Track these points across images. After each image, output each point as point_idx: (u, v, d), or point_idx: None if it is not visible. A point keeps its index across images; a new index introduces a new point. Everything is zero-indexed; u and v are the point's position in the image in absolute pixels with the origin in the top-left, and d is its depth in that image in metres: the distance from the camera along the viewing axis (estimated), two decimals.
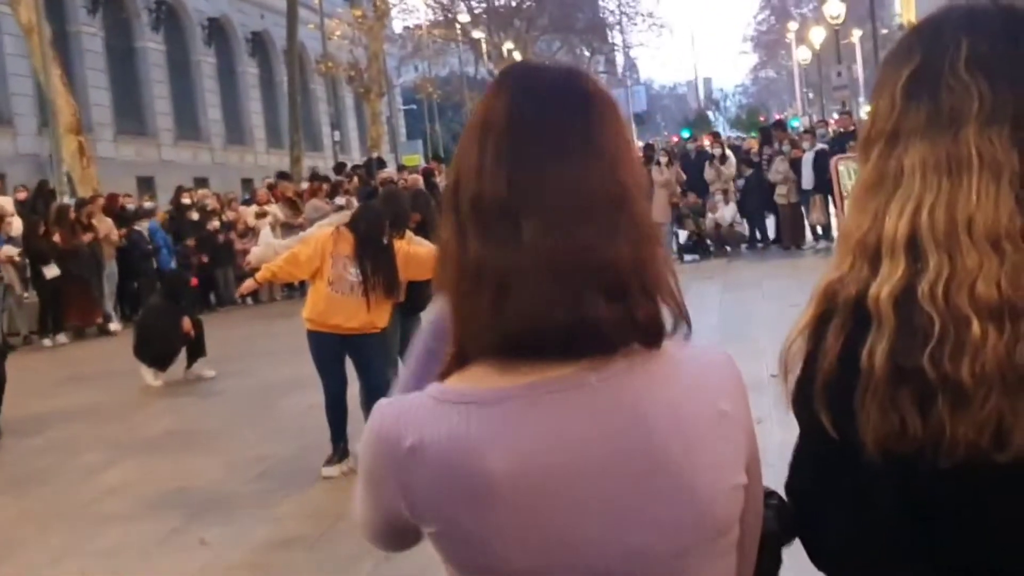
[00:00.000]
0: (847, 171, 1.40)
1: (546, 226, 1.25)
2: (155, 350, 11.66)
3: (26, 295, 16.87)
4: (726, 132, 51.99)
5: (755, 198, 20.13)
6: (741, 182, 20.47)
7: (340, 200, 18.94)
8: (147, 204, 19.60)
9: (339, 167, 25.34)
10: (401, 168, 23.95)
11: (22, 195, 19.32)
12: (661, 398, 1.29)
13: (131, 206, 19.06)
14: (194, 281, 12.65)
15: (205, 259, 18.48)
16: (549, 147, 1.29)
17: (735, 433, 1.34)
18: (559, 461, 1.25)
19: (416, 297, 7.65)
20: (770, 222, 20.60)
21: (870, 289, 1.32)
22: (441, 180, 20.64)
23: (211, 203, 20.47)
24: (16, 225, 17.24)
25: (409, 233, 7.50)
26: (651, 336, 1.29)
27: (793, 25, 65.31)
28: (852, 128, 19.07)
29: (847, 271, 1.36)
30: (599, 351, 1.26)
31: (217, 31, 38.87)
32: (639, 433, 1.27)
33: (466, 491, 1.24)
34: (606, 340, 1.25)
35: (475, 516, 1.25)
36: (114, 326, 16.96)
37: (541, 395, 1.25)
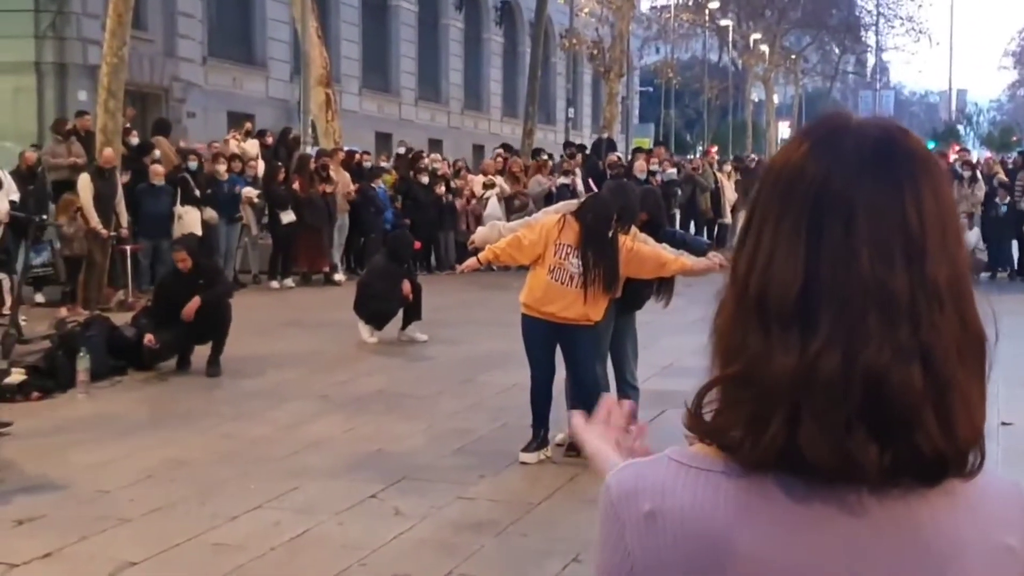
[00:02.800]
0: None
1: (836, 338, 1.10)
2: (374, 308, 11.94)
3: (261, 237, 17.61)
4: (976, 149, 49.59)
5: (1002, 224, 19.08)
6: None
7: (564, 179, 18.97)
8: (383, 163, 20.06)
9: (567, 146, 25.39)
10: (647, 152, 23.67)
11: (269, 140, 20.14)
12: (944, 528, 1.13)
13: (368, 164, 19.56)
14: (417, 244, 12.86)
15: (408, 221, 18.58)
16: (860, 234, 1.12)
17: (1018, 570, 1.16)
18: (811, 562, 1.12)
19: (633, 295, 7.53)
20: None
21: None
22: (666, 167, 20.42)
23: (441, 167, 20.83)
24: (259, 169, 18.01)
25: (635, 230, 7.36)
26: (931, 477, 1.12)
27: None
28: None
29: None
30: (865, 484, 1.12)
31: None
32: (915, 562, 1.12)
33: (702, 565, 1.14)
34: (868, 479, 1.10)
35: None
36: (339, 276, 17.51)
37: (795, 486, 1.12)
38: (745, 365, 1.13)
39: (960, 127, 73.70)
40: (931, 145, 47.52)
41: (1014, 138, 56.63)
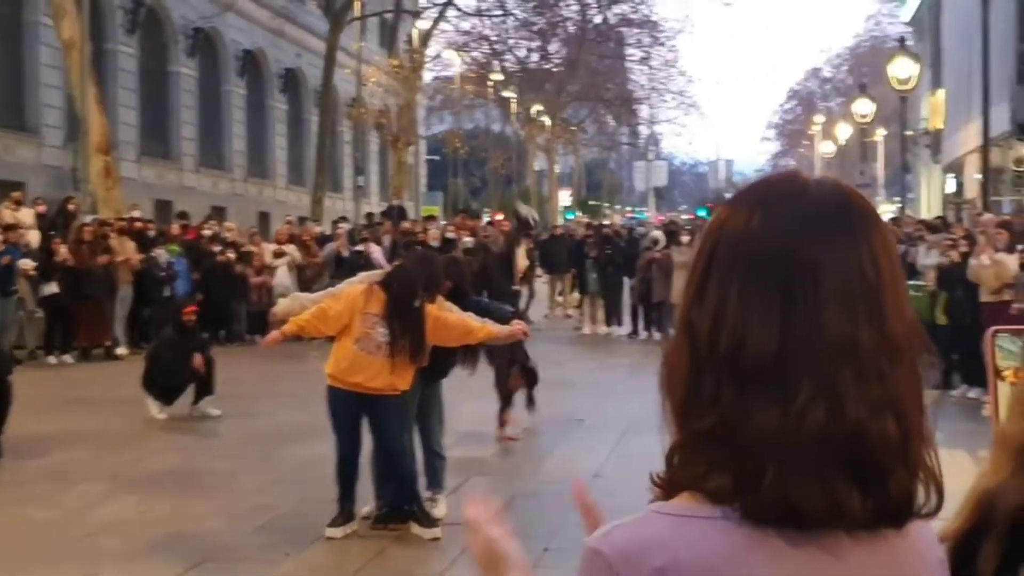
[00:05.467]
0: (1004, 345, 1.32)
1: (818, 393, 1.14)
2: (163, 383, 11.55)
3: (37, 311, 16.80)
4: None
5: None
6: None
7: (359, 247, 18.93)
8: (175, 231, 19.42)
9: (369, 216, 25.43)
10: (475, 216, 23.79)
11: (42, 208, 19.32)
12: (908, 567, 1.20)
13: (151, 232, 18.97)
14: (191, 308, 12.42)
15: (199, 297, 17.94)
16: (827, 290, 1.16)
17: None
18: None
19: (439, 363, 7.57)
20: None
21: None
22: (462, 235, 20.64)
23: (231, 235, 20.42)
24: (33, 239, 17.22)
25: (440, 298, 7.42)
26: (900, 519, 1.18)
27: (819, 118, 65.71)
28: None
29: (1007, 478, 1.25)
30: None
31: (251, 63, 39.08)
32: None
33: None
34: (856, 525, 1.16)
35: None
36: (121, 350, 16.86)
37: (792, 532, 1.16)
38: (720, 420, 1.16)
39: (728, 195, 77.30)
40: (702, 212, 49.69)
41: None
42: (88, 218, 18.71)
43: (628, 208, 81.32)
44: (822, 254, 1.17)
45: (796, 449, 1.12)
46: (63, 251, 16.45)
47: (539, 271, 24.52)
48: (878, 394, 1.15)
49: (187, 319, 11.99)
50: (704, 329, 1.19)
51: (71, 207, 19.44)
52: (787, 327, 1.15)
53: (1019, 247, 13.28)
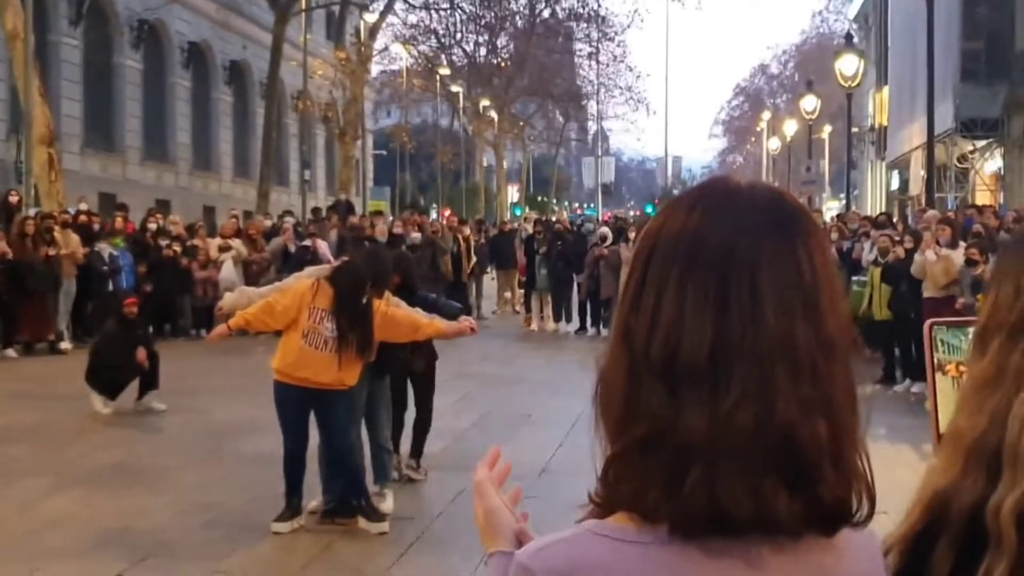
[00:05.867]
0: (939, 339, 1.32)
1: (748, 394, 1.12)
2: (107, 377, 11.43)
3: None
4: None
5: None
6: None
7: (306, 242, 18.82)
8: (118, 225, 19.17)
9: (316, 211, 25.28)
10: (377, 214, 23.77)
11: None
12: (848, 573, 1.19)
13: (95, 226, 18.72)
14: (132, 300, 12.28)
15: (148, 288, 17.82)
16: (764, 288, 1.15)
17: None
18: None
19: (387, 359, 7.56)
20: None
21: (989, 502, 1.18)
22: (410, 231, 20.58)
23: (176, 229, 20.22)
24: None
25: (388, 294, 7.41)
26: (832, 525, 1.16)
27: (766, 115, 66.23)
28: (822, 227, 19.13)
29: (958, 477, 1.23)
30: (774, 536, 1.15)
31: (196, 55, 38.74)
32: None
33: None
34: (783, 529, 1.14)
35: None
36: (65, 345, 16.64)
37: (719, 547, 1.14)
38: (650, 427, 1.14)
39: (676, 192, 77.76)
40: (650, 209, 49.89)
41: None
42: (31, 211, 18.45)
43: (578, 204, 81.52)
44: (759, 253, 1.16)
45: (724, 451, 1.11)
46: (2, 245, 16.20)
47: (488, 268, 24.54)
48: (810, 394, 1.14)
49: (129, 311, 11.86)
50: (641, 336, 1.17)
51: (12, 199, 19.15)
52: (722, 327, 1.14)
53: (961, 243, 13.48)
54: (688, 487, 1.11)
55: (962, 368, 1.51)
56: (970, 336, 1.47)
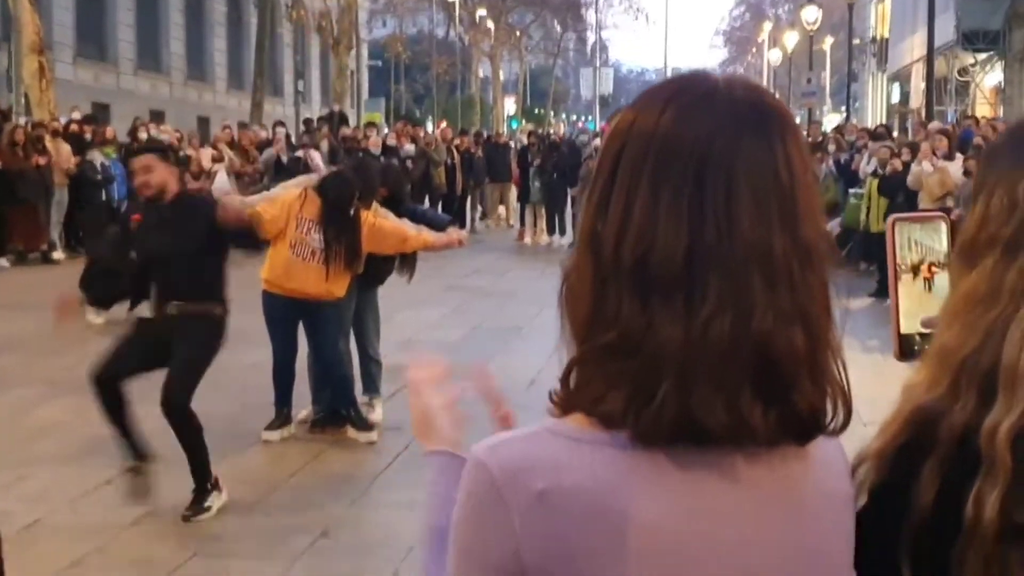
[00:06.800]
0: (908, 236, 1.25)
1: (724, 303, 1.08)
2: (101, 286, 11.39)
3: None
4: None
5: None
6: None
7: (299, 153, 18.70)
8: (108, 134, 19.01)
9: (307, 122, 25.05)
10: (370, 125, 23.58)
11: None
12: (812, 484, 1.17)
13: (87, 135, 18.58)
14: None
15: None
16: (740, 191, 1.10)
17: (852, 512, 1.23)
18: (706, 529, 1.12)
19: (375, 270, 7.54)
20: None
21: (983, 424, 1.13)
22: (403, 143, 20.45)
23: (168, 139, 20.05)
24: None
25: (376, 205, 7.37)
26: (806, 435, 1.14)
27: (767, 25, 65.51)
28: (820, 139, 18.97)
29: (946, 395, 1.18)
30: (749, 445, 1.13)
31: None
32: (795, 520, 1.15)
33: (604, 542, 1.09)
34: (758, 441, 1.11)
35: (606, 570, 1.10)
36: (57, 254, 16.63)
37: (685, 454, 1.11)
38: (621, 334, 1.11)
39: None
40: None
41: None
42: (21, 119, 18.30)
43: (577, 118, 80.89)
44: (736, 153, 1.10)
45: (699, 361, 1.08)
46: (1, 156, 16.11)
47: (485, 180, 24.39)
48: (788, 303, 1.10)
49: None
50: (610, 239, 1.12)
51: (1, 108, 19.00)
52: (696, 232, 1.09)
53: (959, 155, 13.40)
54: (660, 397, 1.08)
55: (935, 270, 1.43)
56: (943, 236, 1.40)
